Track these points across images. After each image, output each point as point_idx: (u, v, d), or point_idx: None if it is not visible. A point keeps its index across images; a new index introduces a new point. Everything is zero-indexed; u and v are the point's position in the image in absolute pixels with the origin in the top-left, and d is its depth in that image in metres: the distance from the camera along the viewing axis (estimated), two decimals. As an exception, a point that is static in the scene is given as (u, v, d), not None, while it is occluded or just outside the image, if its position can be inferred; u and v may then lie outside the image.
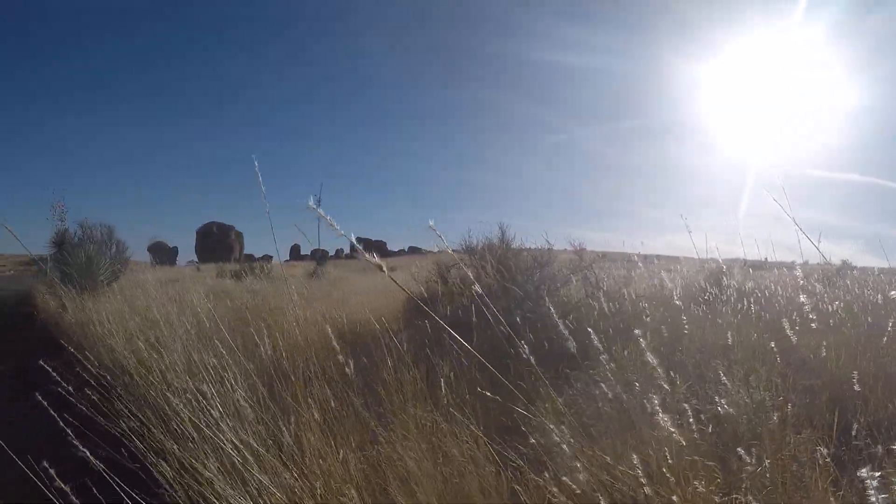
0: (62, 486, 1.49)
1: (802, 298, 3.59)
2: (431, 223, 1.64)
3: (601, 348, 1.99)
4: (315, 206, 1.44)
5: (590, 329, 2.10)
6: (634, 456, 1.72)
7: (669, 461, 1.86)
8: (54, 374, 2.25)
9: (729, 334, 2.93)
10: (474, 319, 3.59)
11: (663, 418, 1.77)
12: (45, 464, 1.50)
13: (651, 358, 1.91)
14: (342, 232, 1.43)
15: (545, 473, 1.87)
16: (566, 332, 2.15)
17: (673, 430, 1.78)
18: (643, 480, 1.65)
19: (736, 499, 1.87)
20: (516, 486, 1.97)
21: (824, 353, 2.97)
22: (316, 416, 2.38)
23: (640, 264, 4.55)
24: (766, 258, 4.97)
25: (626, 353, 2.88)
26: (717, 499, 1.84)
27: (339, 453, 2.18)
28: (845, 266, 10.31)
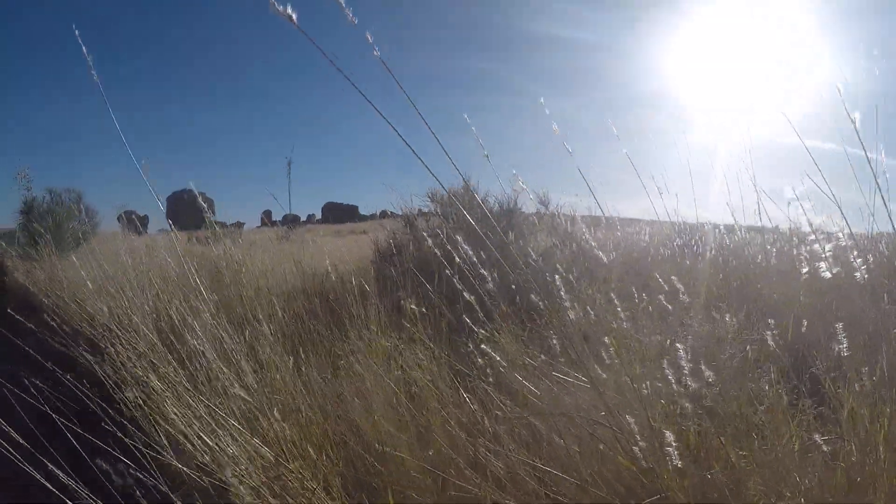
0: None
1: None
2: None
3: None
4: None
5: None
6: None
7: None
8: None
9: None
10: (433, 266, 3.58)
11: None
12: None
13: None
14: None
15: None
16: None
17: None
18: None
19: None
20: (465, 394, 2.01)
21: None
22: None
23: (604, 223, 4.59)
24: (734, 223, 5.09)
25: (590, 290, 2.91)
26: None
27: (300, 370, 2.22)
28: (813, 231, 10.54)
